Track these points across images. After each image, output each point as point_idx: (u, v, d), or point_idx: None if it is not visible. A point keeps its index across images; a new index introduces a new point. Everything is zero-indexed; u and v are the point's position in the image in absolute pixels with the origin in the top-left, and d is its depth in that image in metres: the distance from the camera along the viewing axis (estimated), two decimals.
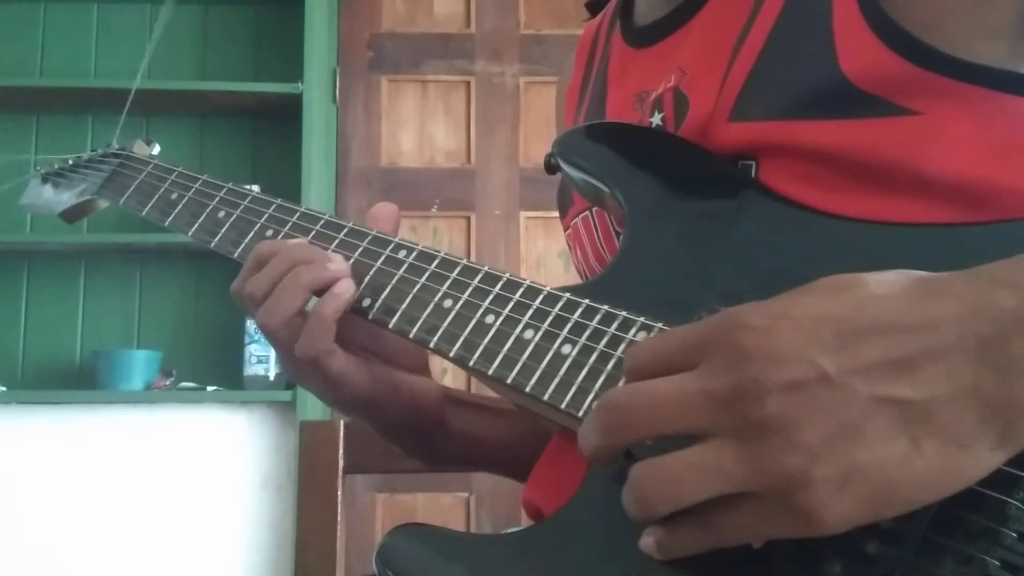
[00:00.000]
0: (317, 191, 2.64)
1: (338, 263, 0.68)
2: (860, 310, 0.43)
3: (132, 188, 0.87)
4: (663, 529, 0.46)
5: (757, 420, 0.42)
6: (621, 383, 0.53)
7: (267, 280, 0.68)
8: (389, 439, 0.78)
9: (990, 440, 0.42)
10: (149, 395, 2.59)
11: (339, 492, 1.19)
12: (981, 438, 0.42)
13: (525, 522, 0.68)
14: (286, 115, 2.66)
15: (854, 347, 0.42)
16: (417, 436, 0.78)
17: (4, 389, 2.59)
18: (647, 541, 0.47)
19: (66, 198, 0.96)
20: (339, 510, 1.18)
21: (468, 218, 2.90)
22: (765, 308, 0.45)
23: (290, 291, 0.67)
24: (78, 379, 2.67)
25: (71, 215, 0.97)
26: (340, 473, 1.19)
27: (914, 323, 0.43)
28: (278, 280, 0.68)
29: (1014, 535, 0.44)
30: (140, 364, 2.60)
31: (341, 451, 1.20)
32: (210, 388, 2.61)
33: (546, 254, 2.89)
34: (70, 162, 0.98)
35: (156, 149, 0.94)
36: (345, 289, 0.67)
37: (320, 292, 0.67)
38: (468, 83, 2.96)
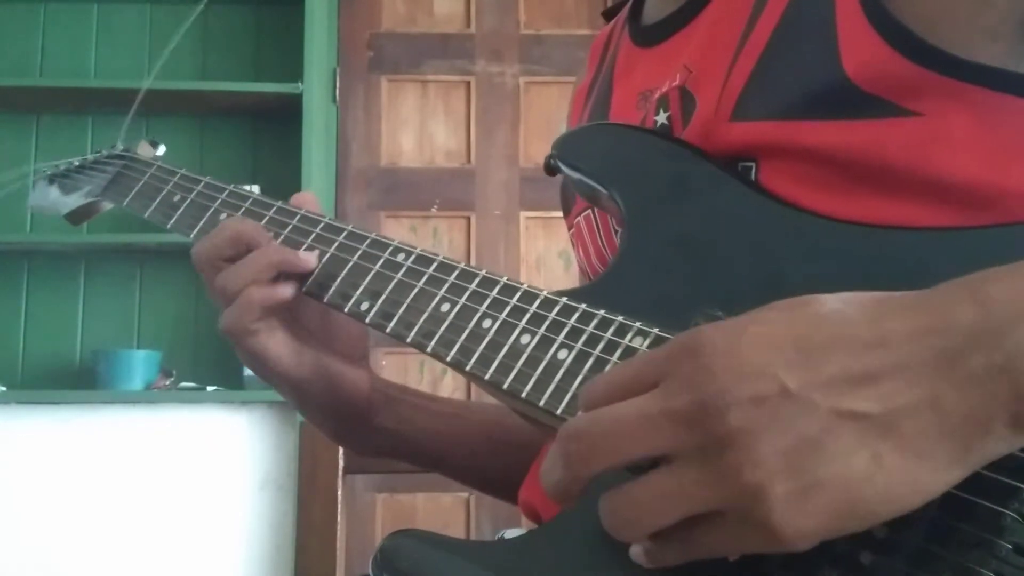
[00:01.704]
0: (317, 191, 2.64)
1: (311, 255, 0.72)
2: (820, 326, 0.44)
3: (135, 190, 0.87)
4: (649, 541, 0.46)
5: (718, 436, 0.42)
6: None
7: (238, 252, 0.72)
8: (314, 423, 0.80)
9: (951, 454, 0.42)
10: (149, 395, 2.59)
11: (339, 492, 1.19)
12: (942, 451, 0.41)
13: (524, 523, 0.69)
14: (286, 115, 2.66)
15: (815, 362, 0.42)
16: (340, 424, 0.79)
17: (4, 389, 2.59)
18: (635, 551, 0.47)
19: (72, 199, 0.96)
20: (339, 510, 1.18)
21: (468, 218, 2.91)
22: (725, 326, 0.45)
23: (250, 268, 0.70)
24: (78, 379, 2.67)
25: (77, 216, 0.97)
26: (340, 473, 1.19)
27: (873, 338, 0.43)
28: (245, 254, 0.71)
29: (1009, 546, 0.43)
30: (140, 364, 2.60)
31: (341, 451, 1.20)
32: (210, 388, 2.61)
33: (546, 254, 2.89)
34: (76, 163, 0.98)
35: (161, 150, 0.94)
36: (284, 288, 0.70)
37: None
38: (468, 83, 2.96)
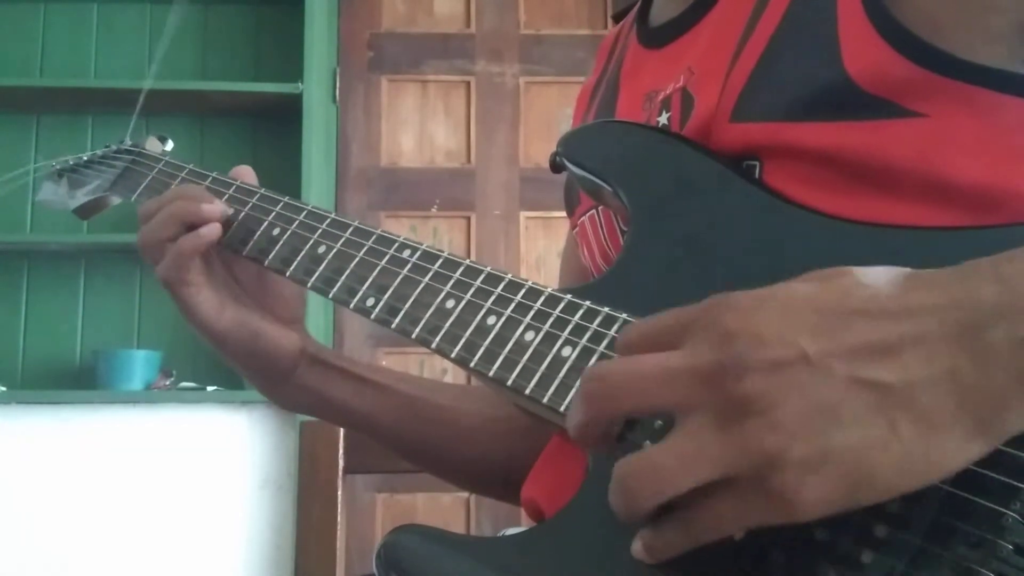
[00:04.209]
0: (317, 191, 2.64)
1: (215, 206, 0.77)
2: (845, 296, 0.44)
3: (143, 186, 0.88)
4: (649, 530, 0.46)
5: (736, 398, 0.42)
6: None
7: (154, 206, 0.78)
8: (241, 375, 0.85)
9: (968, 428, 0.42)
10: (149, 395, 2.59)
11: (339, 492, 1.19)
12: (959, 425, 0.42)
13: (525, 522, 0.69)
14: (286, 115, 2.66)
15: (836, 330, 0.43)
16: (261, 378, 0.83)
17: (4, 389, 2.59)
18: (636, 547, 0.47)
19: (80, 194, 0.96)
20: (339, 510, 1.19)
21: (468, 218, 2.91)
22: (754, 292, 0.46)
23: (164, 220, 0.76)
24: (78, 379, 2.67)
25: (85, 211, 0.97)
26: (340, 473, 1.20)
27: (896, 310, 0.43)
28: (160, 209, 0.77)
29: (1010, 547, 0.43)
30: (140, 364, 2.60)
31: (341, 451, 1.20)
32: (210, 388, 2.61)
33: (546, 254, 2.89)
34: (84, 158, 0.98)
35: (169, 145, 0.95)
36: (209, 231, 0.75)
37: (193, 228, 0.76)
38: (468, 83, 2.96)
